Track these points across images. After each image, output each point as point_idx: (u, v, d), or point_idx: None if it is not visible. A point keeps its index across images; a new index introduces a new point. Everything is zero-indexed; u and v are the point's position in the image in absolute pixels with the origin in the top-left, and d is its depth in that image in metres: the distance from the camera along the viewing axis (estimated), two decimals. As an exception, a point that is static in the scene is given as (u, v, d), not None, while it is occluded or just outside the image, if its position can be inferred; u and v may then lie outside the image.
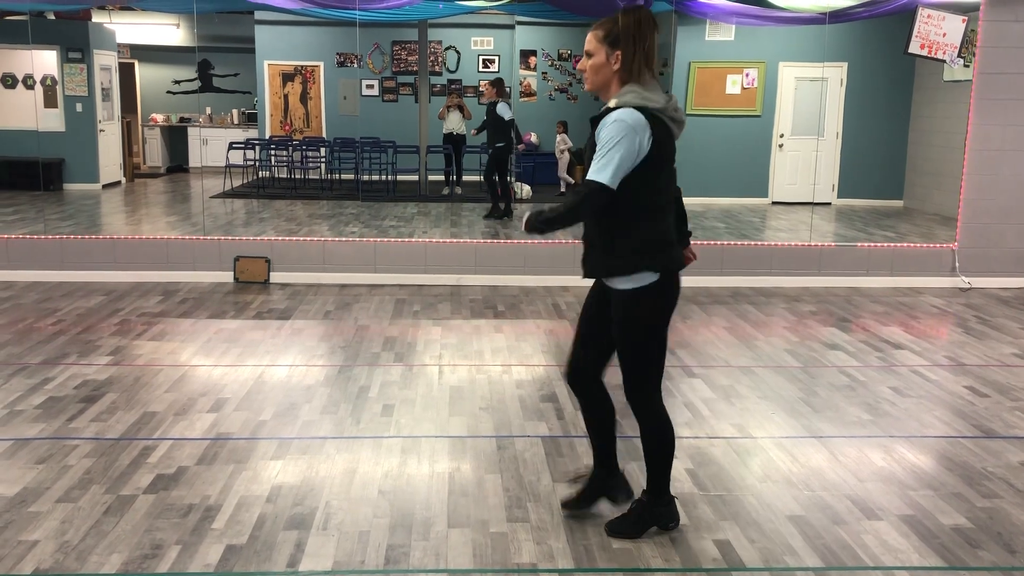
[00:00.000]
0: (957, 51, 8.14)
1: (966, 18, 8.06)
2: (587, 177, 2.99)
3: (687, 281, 8.62)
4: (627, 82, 3.07)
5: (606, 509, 3.53)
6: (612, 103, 3.05)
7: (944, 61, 8.17)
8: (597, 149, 3.00)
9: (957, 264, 8.19)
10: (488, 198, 11.14)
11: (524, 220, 3.11)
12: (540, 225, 3.06)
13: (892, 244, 8.41)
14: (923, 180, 12.40)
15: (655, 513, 3.36)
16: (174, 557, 3.15)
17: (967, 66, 9.07)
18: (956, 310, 7.30)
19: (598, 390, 3.42)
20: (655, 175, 3.05)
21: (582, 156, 3.50)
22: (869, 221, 10.97)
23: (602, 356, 3.37)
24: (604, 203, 3.00)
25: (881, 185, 12.87)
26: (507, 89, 14.93)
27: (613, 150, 2.95)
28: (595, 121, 3.08)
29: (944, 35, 8.03)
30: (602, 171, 2.96)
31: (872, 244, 8.38)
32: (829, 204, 12.73)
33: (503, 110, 10.94)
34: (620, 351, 3.24)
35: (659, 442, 3.28)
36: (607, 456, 3.50)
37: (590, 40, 3.12)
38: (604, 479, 3.52)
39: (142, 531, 3.33)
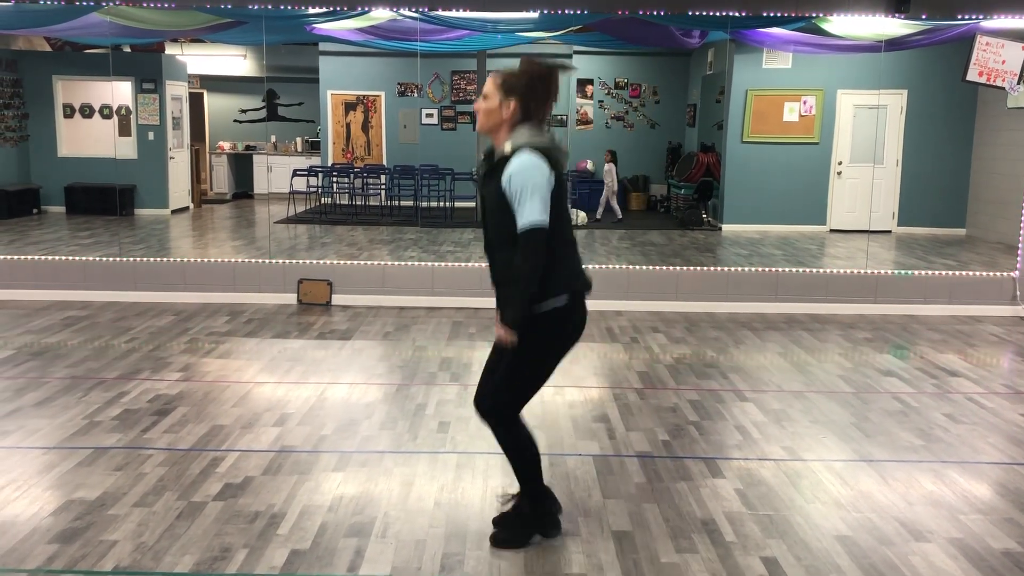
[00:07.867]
0: (1017, 78, 8.09)
1: (1026, 45, 8.00)
2: (523, 224, 3.08)
3: (742, 307, 8.53)
4: (516, 127, 3.20)
5: (645, 528, 3.62)
6: (507, 147, 3.16)
7: (1003, 88, 8.13)
8: (517, 195, 3.08)
9: (1018, 292, 8.08)
10: None
11: (506, 333, 3.17)
12: (520, 316, 3.16)
13: (951, 272, 8.33)
14: (987, 208, 12.22)
15: (539, 522, 3.50)
16: (242, 559, 3.33)
17: (1030, 93, 8.99)
18: (1016, 339, 7.21)
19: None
20: (561, 206, 3.22)
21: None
22: (930, 249, 10.86)
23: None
24: (546, 241, 3.11)
25: (943, 213, 12.72)
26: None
27: (535, 192, 3.08)
28: (497, 164, 3.16)
29: (1003, 62, 7.99)
30: (534, 213, 3.07)
31: (930, 272, 8.31)
32: (889, 232, 12.62)
33: None
34: (505, 369, 3.31)
35: (520, 454, 3.41)
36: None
37: (488, 84, 3.25)
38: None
39: (212, 535, 3.52)
